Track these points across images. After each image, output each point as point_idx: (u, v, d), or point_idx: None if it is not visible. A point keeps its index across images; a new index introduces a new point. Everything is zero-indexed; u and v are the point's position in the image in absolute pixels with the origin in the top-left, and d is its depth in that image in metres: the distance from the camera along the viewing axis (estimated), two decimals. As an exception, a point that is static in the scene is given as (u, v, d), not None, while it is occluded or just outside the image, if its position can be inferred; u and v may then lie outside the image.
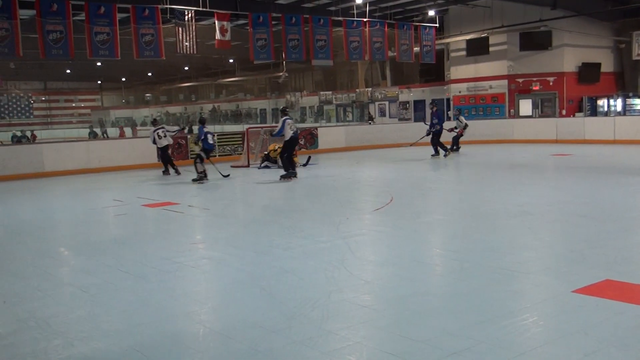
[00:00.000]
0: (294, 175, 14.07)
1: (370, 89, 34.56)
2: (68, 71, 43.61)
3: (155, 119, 17.86)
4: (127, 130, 42.92)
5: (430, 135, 18.52)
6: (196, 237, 8.50)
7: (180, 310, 5.04)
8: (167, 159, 16.09)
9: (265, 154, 17.28)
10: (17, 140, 34.05)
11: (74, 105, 54.42)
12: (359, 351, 3.98)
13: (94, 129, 38.32)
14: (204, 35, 21.20)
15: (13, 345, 4.30)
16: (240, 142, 20.18)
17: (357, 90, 35.30)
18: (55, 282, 6.15)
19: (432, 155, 18.46)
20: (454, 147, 20.01)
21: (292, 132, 13.92)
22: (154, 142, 16.04)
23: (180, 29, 18.23)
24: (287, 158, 14.02)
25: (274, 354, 3.95)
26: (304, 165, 17.04)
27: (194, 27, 18.47)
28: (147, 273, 6.15)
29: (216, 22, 19.09)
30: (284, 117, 13.97)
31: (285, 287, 5.48)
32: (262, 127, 21.70)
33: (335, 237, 7.46)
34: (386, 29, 23.18)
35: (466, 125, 20.01)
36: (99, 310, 5.06)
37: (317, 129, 23.35)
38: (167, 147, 16.06)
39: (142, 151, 18.23)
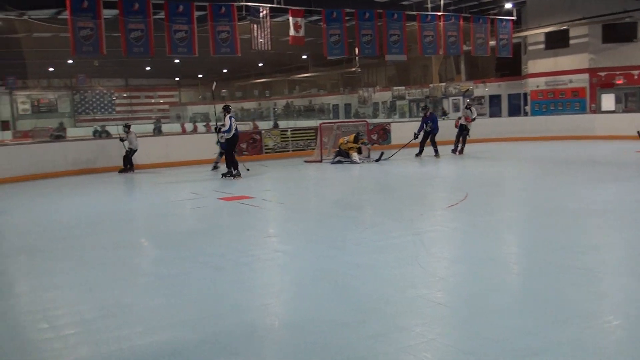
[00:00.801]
0: (239, 175, 14.22)
1: (444, 83, 34.04)
2: (148, 68, 45.05)
3: (128, 124, 17.66)
4: (190, 126, 44.07)
5: (420, 137, 18.12)
6: (270, 231, 8.62)
7: (255, 302, 5.12)
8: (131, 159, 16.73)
9: (337, 149, 17.29)
10: (98, 135, 35.48)
11: (153, 101, 56.16)
12: (434, 348, 3.93)
13: (157, 125, 39.64)
14: (278, 32, 21.43)
15: (99, 331, 4.48)
16: (314, 137, 20.30)
17: (431, 85, 34.81)
18: (136, 272, 6.37)
19: (417, 155, 18.01)
20: (457, 147, 18.70)
21: (234, 129, 14.32)
22: (135, 145, 16.57)
23: (255, 25, 18.48)
24: (233, 156, 14.29)
25: (348, 348, 3.95)
26: (377, 160, 16.97)
27: (268, 23, 18.67)
28: (223, 265, 6.28)
29: (290, 18, 19.23)
30: (230, 115, 14.38)
31: (358, 281, 5.48)
32: (334, 123, 21.74)
33: (408, 233, 7.40)
34: (461, 22, 22.73)
35: (474, 118, 18.75)
36: (177, 300, 5.20)
37: (389, 125, 23.20)
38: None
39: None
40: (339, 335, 4.18)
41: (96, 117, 48.56)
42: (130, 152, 16.70)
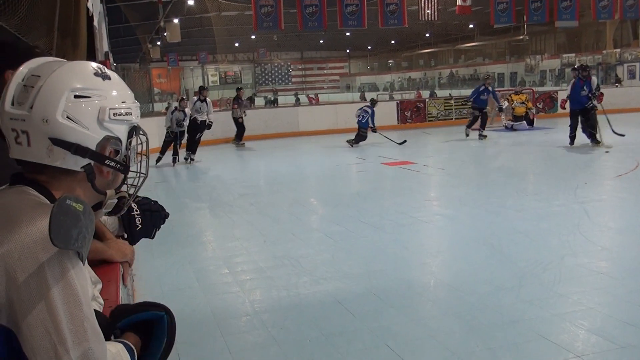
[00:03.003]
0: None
1: (618, 49, 31.10)
2: (321, 41, 46.02)
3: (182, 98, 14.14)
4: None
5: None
6: (431, 195, 8.54)
7: (414, 261, 5.13)
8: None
9: (512, 115, 16.60)
10: (270, 103, 37.07)
11: (325, 72, 57.36)
12: (592, 317, 3.69)
13: (306, 95, 40.38)
14: (445, 2, 20.82)
15: (271, 278, 4.77)
16: (477, 105, 19.61)
17: (604, 51, 31.97)
18: (306, 228, 6.65)
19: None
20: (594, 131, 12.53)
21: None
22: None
23: (422, -4, 18.15)
24: (198, 140, 13.13)
25: (502, 310, 3.84)
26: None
27: (435, -6, 18.24)
28: (384, 225, 6.35)
29: (458, -12, 18.61)
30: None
31: (517, 247, 5.27)
32: (498, 91, 20.80)
33: (572, 202, 6.95)
34: (641, -17, 20.53)
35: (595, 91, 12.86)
36: (342, 255, 5.36)
37: (556, 93, 21.73)
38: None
39: (382, 114, 18.70)
40: (494, 297, 4.07)
41: (276, 88, 50.71)
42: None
